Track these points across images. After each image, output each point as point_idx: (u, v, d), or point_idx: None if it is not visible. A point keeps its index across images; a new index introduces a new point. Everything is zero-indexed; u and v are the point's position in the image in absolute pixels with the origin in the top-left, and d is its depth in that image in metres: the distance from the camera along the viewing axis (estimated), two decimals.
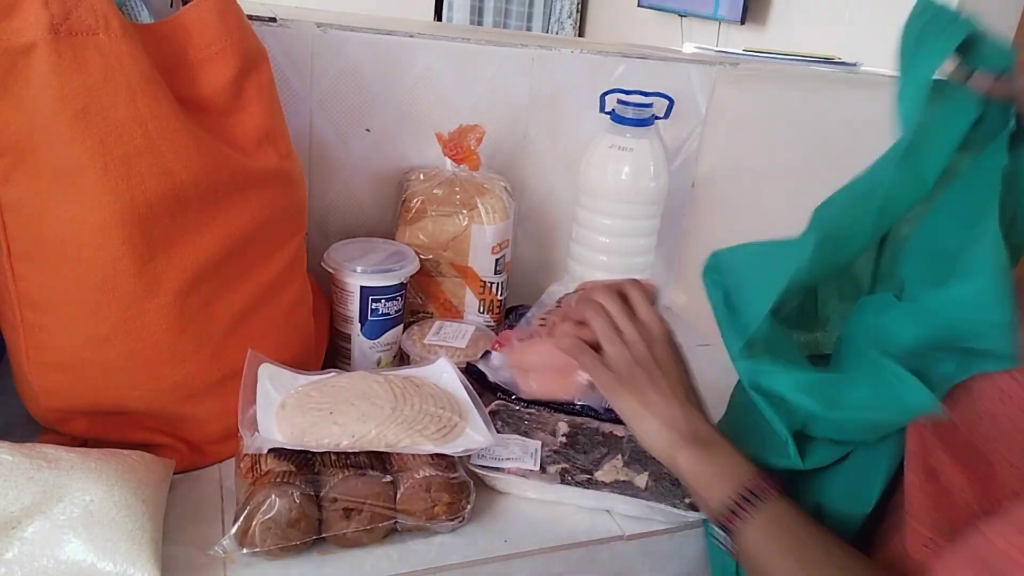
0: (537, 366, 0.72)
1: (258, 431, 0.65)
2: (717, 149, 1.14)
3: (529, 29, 4.22)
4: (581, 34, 4.29)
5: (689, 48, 1.42)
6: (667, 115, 1.00)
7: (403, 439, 0.65)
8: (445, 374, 0.78)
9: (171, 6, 0.71)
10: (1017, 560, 0.39)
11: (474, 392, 0.75)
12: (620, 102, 0.97)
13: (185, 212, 0.64)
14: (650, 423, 0.61)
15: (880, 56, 2.13)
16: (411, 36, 0.94)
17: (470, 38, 0.98)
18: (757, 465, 0.59)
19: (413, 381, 0.74)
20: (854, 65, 1.42)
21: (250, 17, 0.75)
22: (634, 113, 0.96)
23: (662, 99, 0.99)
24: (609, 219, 1.00)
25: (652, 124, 0.97)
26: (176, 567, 0.59)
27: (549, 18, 4.26)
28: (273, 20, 0.86)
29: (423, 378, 0.76)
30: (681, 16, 3.32)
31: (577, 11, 4.22)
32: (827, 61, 1.42)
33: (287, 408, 0.67)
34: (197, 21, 0.66)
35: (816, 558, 0.53)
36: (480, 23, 4.12)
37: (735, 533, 0.57)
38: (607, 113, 0.98)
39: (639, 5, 3.51)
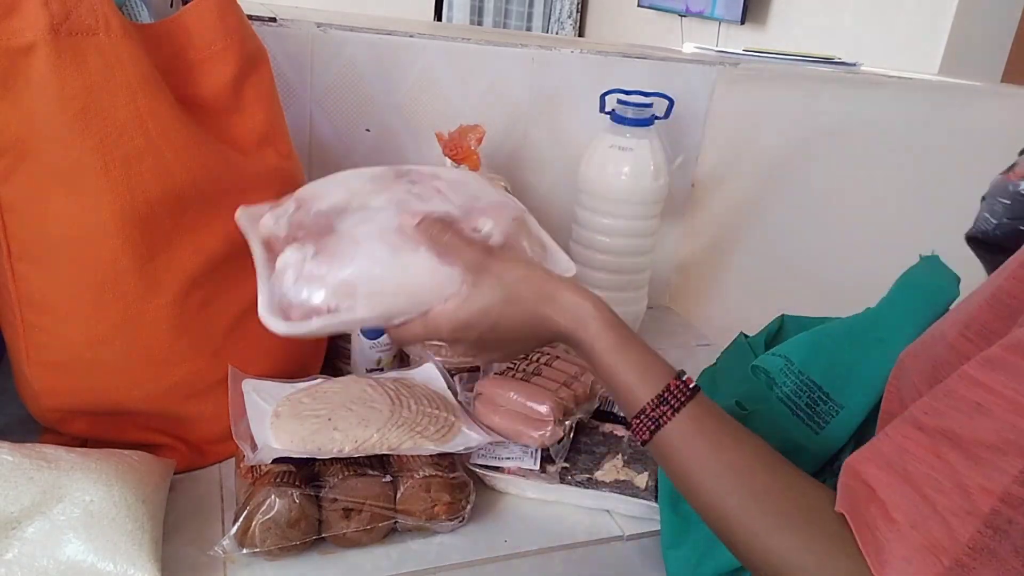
0: (508, 406, 0.73)
1: (258, 446, 0.64)
2: (717, 149, 1.14)
3: (529, 29, 4.22)
4: (581, 34, 4.29)
5: (689, 48, 1.42)
6: (667, 115, 1.00)
7: (405, 441, 0.65)
8: (433, 376, 0.78)
9: (171, 6, 0.71)
10: (913, 452, 0.42)
11: (458, 392, 0.76)
12: (620, 102, 0.96)
13: (185, 212, 0.64)
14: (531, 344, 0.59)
15: (880, 56, 2.14)
16: (411, 36, 0.94)
17: (470, 38, 0.98)
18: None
19: (404, 383, 0.74)
20: (854, 65, 1.42)
21: (250, 17, 0.75)
22: (634, 113, 0.96)
23: (662, 99, 0.99)
24: (609, 219, 1.00)
25: (652, 124, 0.97)
26: (176, 567, 0.59)
27: (549, 18, 4.26)
28: (273, 20, 0.86)
29: (413, 379, 0.77)
30: (681, 16, 3.32)
31: (577, 11, 4.22)
32: (827, 61, 1.42)
33: (282, 417, 0.67)
34: (197, 21, 0.66)
35: (740, 457, 0.50)
36: (480, 23, 4.12)
37: (656, 436, 0.53)
38: (607, 113, 0.98)
39: (639, 5, 3.51)
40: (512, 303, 0.55)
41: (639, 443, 0.54)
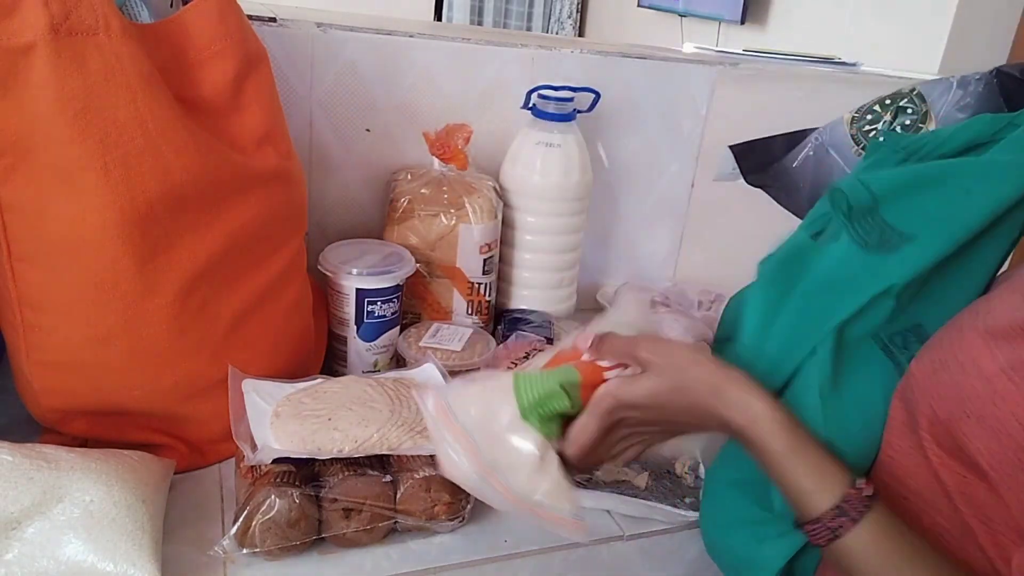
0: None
1: (258, 446, 0.64)
2: (717, 149, 1.14)
3: (529, 29, 4.22)
4: (581, 34, 4.29)
5: (689, 48, 1.42)
6: (591, 109, 0.99)
7: (405, 441, 0.65)
8: (433, 376, 0.78)
9: (171, 6, 0.71)
10: None
11: None
12: (541, 96, 0.95)
13: (185, 212, 0.64)
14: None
15: (880, 56, 2.14)
16: (411, 36, 0.94)
17: (470, 38, 0.98)
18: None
19: (404, 383, 0.74)
20: (854, 65, 1.42)
21: (250, 17, 0.75)
22: (555, 108, 0.94)
23: (588, 93, 0.97)
24: (533, 216, 0.99)
25: (574, 119, 0.96)
26: (176, 567, 0.59)
27: (549, 18, 4.26)
28: (273, 20, 0.86)
29: (413, 379, 0.77)
30: (681, 16, 3.32)
31: (577, 11, 4.22)
32: (827, 61, 1.42)
33: (282, 417, 0.67)
34: (197, 21, 0.66)
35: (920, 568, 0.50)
36: (480, 23, 4.12)
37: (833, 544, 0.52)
38: (528, 108, 0.96)
39: (639, 5, 3.51)
40: (680, 392, 0.55)
41: (815, 546, 0.53)
